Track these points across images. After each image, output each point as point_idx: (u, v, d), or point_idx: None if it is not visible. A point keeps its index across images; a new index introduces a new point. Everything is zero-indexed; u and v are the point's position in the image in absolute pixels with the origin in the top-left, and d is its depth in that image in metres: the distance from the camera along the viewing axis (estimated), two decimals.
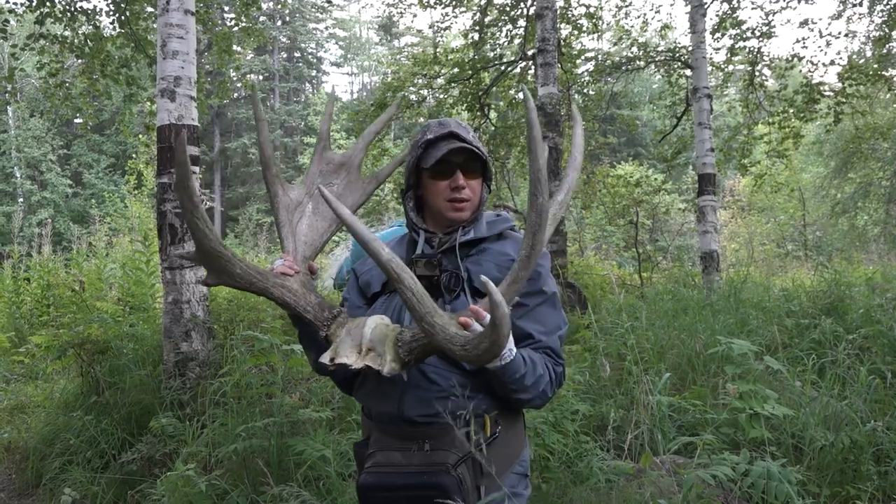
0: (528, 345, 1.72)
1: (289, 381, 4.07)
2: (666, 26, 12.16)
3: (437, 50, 11.02)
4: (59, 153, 31.44)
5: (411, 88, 10.83)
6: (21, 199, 28.69)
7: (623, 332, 4.28)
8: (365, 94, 51.02)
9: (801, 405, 3.48)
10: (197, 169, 4.98)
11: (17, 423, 5.77)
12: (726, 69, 10.68)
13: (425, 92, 11.16)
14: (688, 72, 9.93)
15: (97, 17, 8.17)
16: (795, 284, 6.74)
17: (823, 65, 10.05)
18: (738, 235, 21.47)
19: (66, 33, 7.98)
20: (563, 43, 10.31)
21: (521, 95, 11.05)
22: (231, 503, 3.28)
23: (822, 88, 9.85)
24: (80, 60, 8.41)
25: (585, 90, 11.60)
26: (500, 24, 10.69)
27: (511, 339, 1.57)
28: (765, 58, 10.14)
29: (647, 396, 3.03)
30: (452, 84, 10.58)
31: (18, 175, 29.29)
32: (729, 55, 10.28)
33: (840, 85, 9.87)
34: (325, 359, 1.58)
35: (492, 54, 10.97)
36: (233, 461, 3.58)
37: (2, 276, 10.05)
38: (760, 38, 9.81)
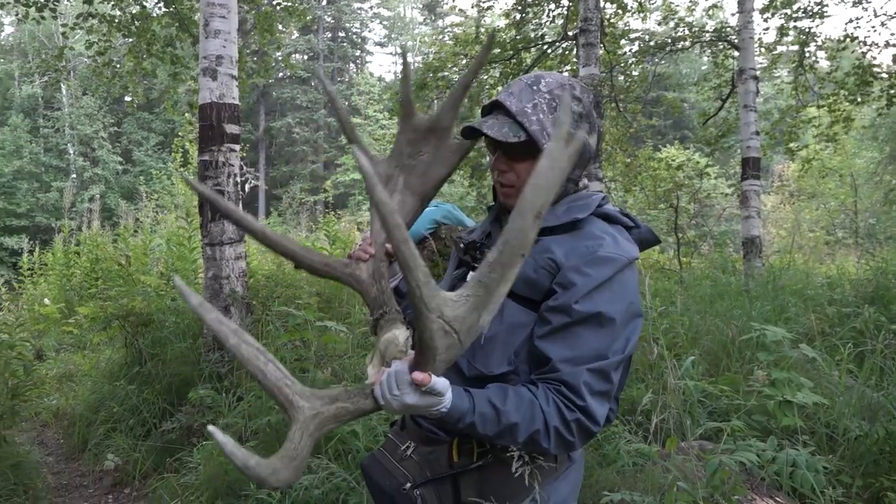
0: (540, 374, 1.40)
1: (322, 356, 4.14)
2: (714, 6, 11.87)
3: (480, 30, 10.94)
4: (110, 130, 32.17)
5: (453, 69, 10.78)
6: (74, 176, 29.50)
7: (655, 316, 4.24)
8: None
9: (836, 394, 3.42)
10: (237, 147, 5.06)
11: (66, 391, 6.01)
12: (775, 51, 10.38)
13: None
14: (735, 53, 9.69)
15: None
16: (840, 272, 6.58)
17: (877, 46, 9.69)
18: (786, 221, 20.95)
19: (115, 12, 8.15)
20: (607, 23, 10.14)
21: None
22: None
23: (875, 70, 9.51)
24: (127, 40, 8.59)
25: (629, 71, 11.41)
26: (542, 3, 10.55)
27: (439, 398, 1.27)
28: (816, 38, 9.82)
29: (673, 380, 3.02)
30: (493, 64, 10.51)
31: (72, 152, 30.10)
32: (779, 36, 9.99)
33: (895, 67, 9.53)
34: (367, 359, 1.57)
35: (533, 34, 10.85)
36: (267, 433, 3.67)
37: (53, 249, 10.41)
38: (812, 18, 9.50)
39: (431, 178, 1.74)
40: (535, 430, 1.33)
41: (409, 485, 1.47)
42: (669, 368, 2.91)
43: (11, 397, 4.02)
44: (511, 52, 10.22)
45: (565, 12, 10.08)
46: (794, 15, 9.62)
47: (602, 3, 9.61)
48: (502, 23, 11.13)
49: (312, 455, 3.19)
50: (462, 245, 1.60)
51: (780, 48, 10.38)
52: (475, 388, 1.40)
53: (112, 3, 7.97)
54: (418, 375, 1.24)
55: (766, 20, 9.86)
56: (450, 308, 1.19)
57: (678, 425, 3.18)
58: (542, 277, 1.44)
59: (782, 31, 9.87)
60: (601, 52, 8.33)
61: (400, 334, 1.46)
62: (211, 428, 1.17)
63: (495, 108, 1.54)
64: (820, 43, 9.97)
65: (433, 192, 1.75)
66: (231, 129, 4.97)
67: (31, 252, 11.42)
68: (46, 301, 8.71)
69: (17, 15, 7.89)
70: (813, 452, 2.68)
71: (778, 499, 2.83)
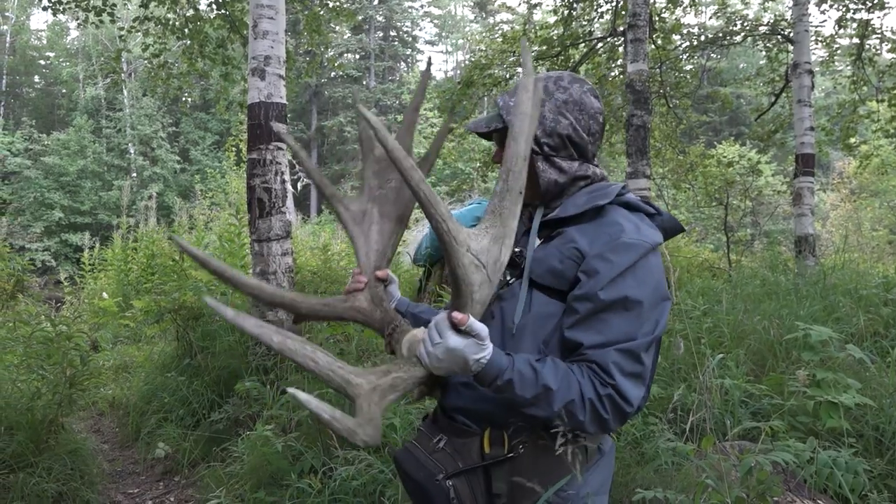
0: (572, 359, 1.43)
1: (362, 350, 4.21)
2: None
3: (528, 26, 10.88)
4: (168, 130, 33.07)
5: (501, 66, 10.74)
6: (134, 174, 30.44)
7: (700, 314, 4.18)
8: (458, 71, 50.96)
9: (885, 396, 3.32)
10: (284, 145, 5.16)
11: (122, 382, 6.23)
12: (832, 45, 10.04)
13: (518, 69, 11.04)
14: (790, 46, 9.42)
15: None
16: None
17: None
18: (847, 220, 20.28)
19: (169, 16, 8.40)
20: (658, 17, 9.97)
21: (613, 73, 10.83)
22: (305, 464, 3.45)
23: None
24: (181, 42, 8.84)
25: (680, 65, 11.19)
26: None
27: (480, 344, 1.33)
28: (876, 31, 9.47)
29: (711, 380, 2.98)
30: (541, 61, 10.44)
31: (132, 151, 31.04)
32: (837, 28, 9.67)
33: None
34: None
35: (581, 31, 10.74)
36: (309, 424, 3.75)
37: (113, 246, 10.79)
38: (870, 10, 9.16)
39: (404, 199, 1.81)
40: (571, 399, 1.35)
41: (441, 476, 1.50)
42: (706, 367, 2.87)
43: (69, 386, 4.18)
44: (558, 49, 10.14)
45: (614, 7, 9.95)
46: (853, 6, 9.30)
47: None
48: (551, 19, 11.03)
49: (350, 447, 3.26)
50: None
51: (839, 41, 10.04)
52: None
53: (167, 6, 8.20)
54: (457, 315, 1.30)
55: (822, 12, 9.55)
56: (475, 241, 1.29)
57: (719, 425, 3.13)
58: (568, 268, 1.47)
59: (841, 23, 9.55)
60: (650, 47, 8.20)
61: (418, 331, 1.49)
62: (291, 390, 1.24)
63: (494, 108, 1.66)
64: (881, 35, 9.61)
65: (410, 211, 1.82)
66: (278, 127, 5.07)
67: (92, 248, 11.86)
68: (105, 295, 9.03)
69: (77, 19, 8.20)
70: (857, 454, 2.61)
71: (820, 501, 2.76)
